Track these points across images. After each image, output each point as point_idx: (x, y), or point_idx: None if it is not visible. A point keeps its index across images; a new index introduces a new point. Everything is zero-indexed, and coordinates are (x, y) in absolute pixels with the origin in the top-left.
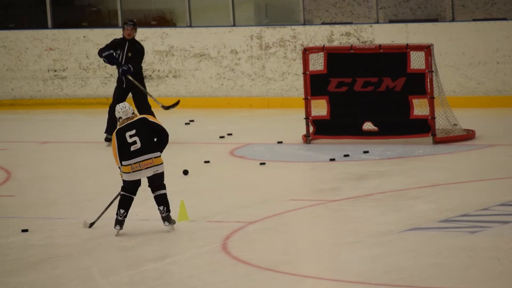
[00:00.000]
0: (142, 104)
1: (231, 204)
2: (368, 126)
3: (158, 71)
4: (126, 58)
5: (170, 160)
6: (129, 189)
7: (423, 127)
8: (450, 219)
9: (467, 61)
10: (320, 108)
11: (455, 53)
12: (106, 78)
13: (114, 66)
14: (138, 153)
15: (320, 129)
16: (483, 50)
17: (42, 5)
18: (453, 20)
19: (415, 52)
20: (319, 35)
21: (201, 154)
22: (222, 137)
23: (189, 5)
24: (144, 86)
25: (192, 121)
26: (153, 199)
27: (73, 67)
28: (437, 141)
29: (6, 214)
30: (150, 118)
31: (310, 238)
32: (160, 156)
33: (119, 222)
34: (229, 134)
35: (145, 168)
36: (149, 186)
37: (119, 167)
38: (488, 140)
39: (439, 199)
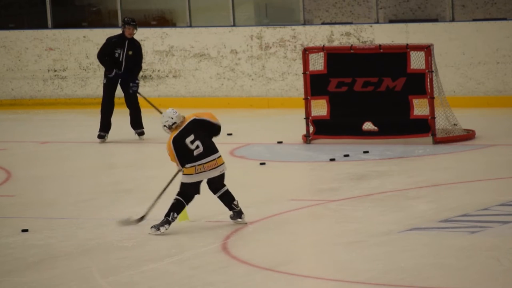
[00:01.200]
0: (132, 101)
1: None
2: (368, 126)
3: (158, 71)
4: (127, 56)
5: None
6: (187, 194)
7: (423, 127)
8: (450, 219)
9: (467, 61)
10: (320, 108)
11: (455, 53)
12: None
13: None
14: (202, 156)
15: (320, 129)
16: (483, 50)
17: (42, 5)
18: (453, 20)
19: (415, 52)
20: (319, 35)
21: None
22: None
23: (189, 5)
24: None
25: None
26: (218, 199)
27: (73, 67)
28: (437, 141)
29: (6, 214)
30: (199, 116)
31: (310, 238)
32: (221, 156)
33: (168, 223)
34: (229, 134)
35: (210, 170)
36: (209, 188)
37: (180, 169)
38: (488, 140)
39: (439, 199)
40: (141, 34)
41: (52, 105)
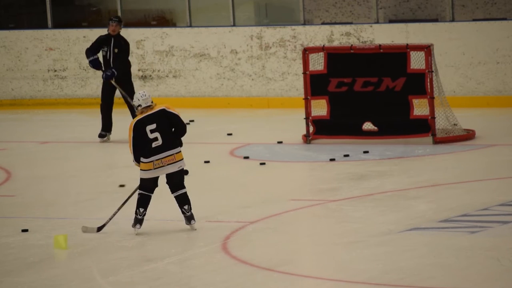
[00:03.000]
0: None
1: (231, 204)
2: (368, 126)
3: (158, 71)
4: (113, 54)
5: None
6: (148, 187)
7: (423, 127)
8: (450, 219)
9: (467, 61)
10: (320, 108)
11: (455, 53)
12: None
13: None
14: (160, 150)
15: (320, 129)
16: (483, 50)
17: (42, 5)
18: (453, 20)
19: (415, 52)
20: (319, 35)
21: (201, 154)
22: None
23: (189, 5)
24: (131, 84)
25: (192, 121)
26: (174, 199)
27: (73, 67)
28: (437, 141)
29: (6, 214)
30: (169, 108)
31: (310, 238)
32: (181, 151)
33: (139, 221)
34: (229, 134)
35: (167, 165)
36: (167, 184)
37: (134, 160)
38: (488, 140)
39: (439, 199)
40: (141, 34)
41: (52, 105)
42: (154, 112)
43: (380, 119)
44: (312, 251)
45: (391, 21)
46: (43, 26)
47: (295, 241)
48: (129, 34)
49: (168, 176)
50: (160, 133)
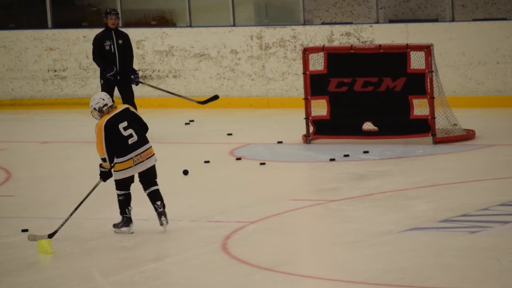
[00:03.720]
0: (128, 100)
1: (231, 204)
2: (368, 126)
3: (158, 71)
4: (118, 46)
5: (170, 160)
6: (126, 185)
7: (423, 127)
8: (450, 219)
9: (467, 61)
10: (320, 108)
11: (455, 53)
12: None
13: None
14: (137, 145)
15: (320, 129)
16: (483, 50)
17: (42, 5)
18: (453, 20)
19: (415, 52)
20: (319, 35)
21: (201, 154)
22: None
23: (189, 5)
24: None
25: (192, 121)
26: (147, 196)
27: (73, 67)
28: (437, 141)
29: (6, 214)
30: (132, 109)
31: (310, 238)
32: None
33: (131, 220)
34: (229, 134)
35: (146, 159)
36: (140, 181)
37: (104, 159)
38: (488, 140)
39: (439, 199)
40: (141, 34)
41: (52, 105)
42: (121, 111)
43: (380, 119)
44: (312, 251)
45: (391, 21)
46: (43, 26)
47: (295, 241)
48: (129, 34)
49: (143, 173)
50: (134, 129)
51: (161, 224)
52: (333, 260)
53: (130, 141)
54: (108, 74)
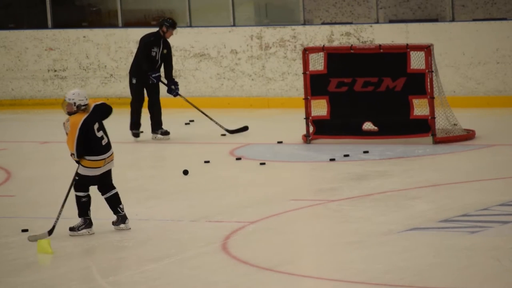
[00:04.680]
0: (154, 101)
1: (231, 204)
2: (368, 126)
3: None
4: (162, 55)
5: (170, 160)
6: (86, 187)
7: (423, 127)
8: (450, 219)
9: (467, 61)
10: (320, 108)
11: (455, 53)
12: (106, 78)
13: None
14: (108, 147)
15: (320, 129)
16: (483, 50)
17: (42, 5)
18: (453, 20)
19: (415, 52)
20: (319, 35)
21: (201, 154)
22: (223, 135)
23: (189, 5)
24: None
25: (192, 121)
26: (107, 200)
27: (73, 67)
28: (437, 141)
29: (6, 214)
30: (97, 102)
31: (310, 238)
32: None
33: (91, 222)
34: (223, 135)
35: (111, 161)
36: (100, 185)
37: (72, 154)
38: (488, 140)
39: (439, 199)
40: (141, 34)
41: (52, 105)
42: (93, 110)
43: (380, 119)
44: (312, 251)
45: (391, 21)
46: (43, 26)
47: (295, 241)
48: (129, 34)
49: (104, 174)
50: (103, 132)
51: (124, 228)
52: (333, 260)
53: (103, 142)
54: (154, 75)
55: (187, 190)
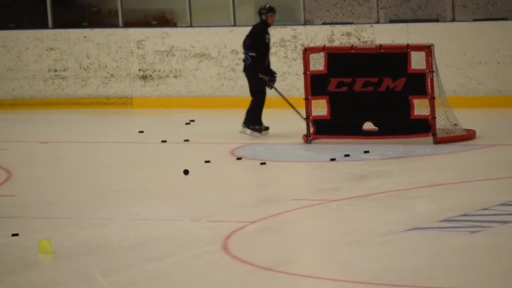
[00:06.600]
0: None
1: (231, 204)
2: (368, 126)
3: (159, 71)
4: (268, 45)
5: (170, 160)
6: None
7: (423, 127)
8: (450, 219)
9: (468, 61)
10: (321, 108)
11: (456, 53)
12: (107, 78)
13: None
14: None
15: (320, 129)
16: (484, 50)
17: (43, 5)
18: (453, 20)
19: (416, 52)
20: (320, 35)
21: (201, 154)
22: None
23: (190, 5)
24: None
25: (193, 121)
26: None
27: (74, 67)
28: (437, 141)
29: (6, 214)
30: None
31: (310, 238)
32: None
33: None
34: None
35: None
36: None
37: None
38: (488, 140)
39: (439, 199)
40: (141, 34)
41: (53, 105)
42: None
43: (380, 119)
44: (313, 251)
45: (391, 21)
46: (44, 26)
47: (295, 241)
48: (130, 34)
49: None
50: None
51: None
52: (334, 260)
53: None
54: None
55: (188, 190)
